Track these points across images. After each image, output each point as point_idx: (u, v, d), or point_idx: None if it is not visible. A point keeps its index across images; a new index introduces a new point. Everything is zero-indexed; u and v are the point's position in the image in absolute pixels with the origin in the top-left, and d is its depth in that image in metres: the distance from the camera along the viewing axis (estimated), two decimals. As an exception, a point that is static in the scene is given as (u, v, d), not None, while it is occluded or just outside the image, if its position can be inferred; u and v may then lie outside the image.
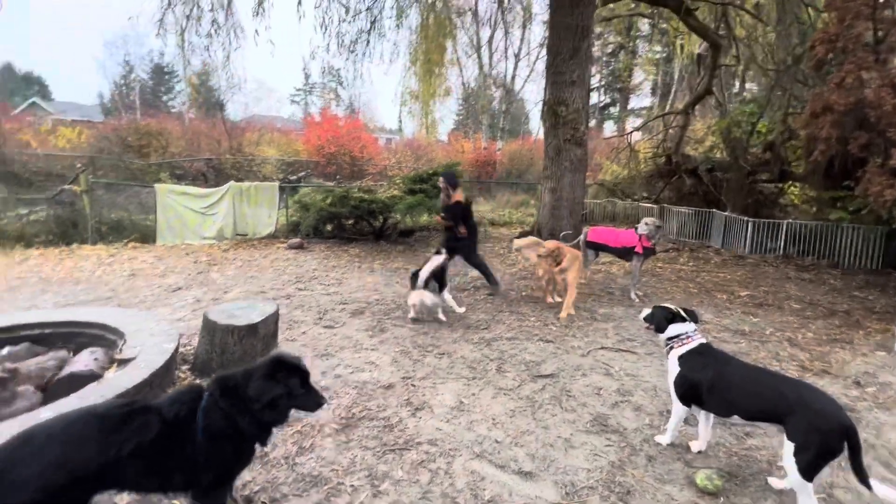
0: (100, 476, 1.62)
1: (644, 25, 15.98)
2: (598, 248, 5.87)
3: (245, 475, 2.17)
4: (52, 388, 2.80)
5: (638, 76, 27.08)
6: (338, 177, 14.10)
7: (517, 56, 20.32)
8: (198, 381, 2.82)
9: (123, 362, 2.96)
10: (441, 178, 5.66)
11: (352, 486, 2.20)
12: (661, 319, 2.57)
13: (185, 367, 3.36)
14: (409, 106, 13.85)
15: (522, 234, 8.97)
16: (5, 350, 3.17)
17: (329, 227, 8.69)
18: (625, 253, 5.63)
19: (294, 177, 14.44)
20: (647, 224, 5.37)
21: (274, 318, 3.53)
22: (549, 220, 7.99)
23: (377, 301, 5.18)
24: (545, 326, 4.52)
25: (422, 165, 14.69)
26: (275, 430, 1.89)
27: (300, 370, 1.89)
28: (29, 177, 11.18)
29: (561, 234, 5.87)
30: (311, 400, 1.86)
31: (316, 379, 3.21)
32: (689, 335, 2.46)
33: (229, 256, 7.21)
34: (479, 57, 19.70)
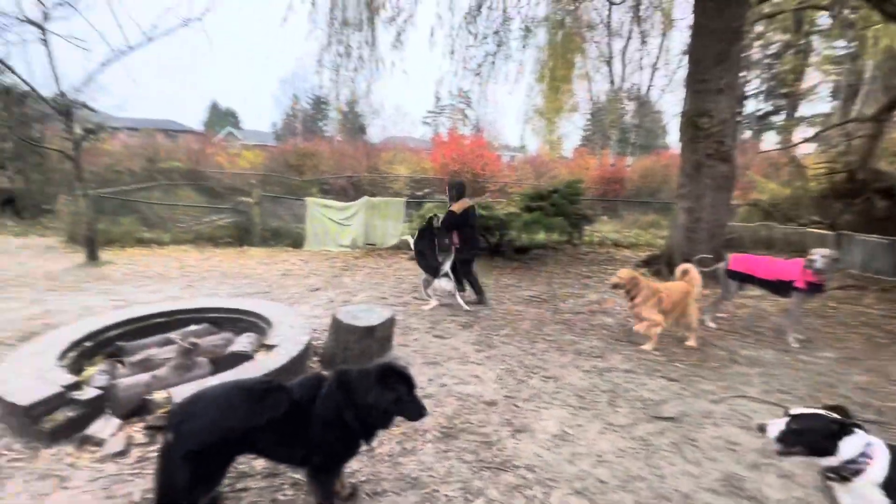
0: (243, 439, 1.94)
1: (822, 19, 13.47)
2: (742, 278, 5.02)
3: (353, 464, 2.37)
4: (220, 362, 3.43)
5: (811, 78, 22.79)
6: (459, 193, 14.65)
7: (654, 66, 18.87)
8: (322, 371, 3.17)
9: (269, 347, 3.50)
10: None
11: (446, 495, 2.25)
12: (821, 437, 1.66)
13: (315, 359, 3.83)
14: (534, 123, 13.83)
15: (651, 258, 8.19)
16: (191, 327, 4.02)
17: (448, 241, 9.09)
18: (779, 287, 4.72)
19: (420, 192, 15.51)
20: (821, 256, 4.38)
21: (390, 323, 3.81)
22: (683, 243, 7.15)
23: (486, 316, 5.23)
24: (670, 363, 4.04)
25: (542, 182, 14.48)
26: (379, 431, 2.04)
27: (408, 379, 2.01)
28: (220, 190, 14.01)
29: (696, 258, 5.20)
30: (415, 409, 1.97)
31: (422, 385, 3.37)
32: (871, 445, 1.65)
33: (360, 263, 8.02)
34: (611, 70, 18.81)
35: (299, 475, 2.33)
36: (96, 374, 3.11)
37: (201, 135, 22.65)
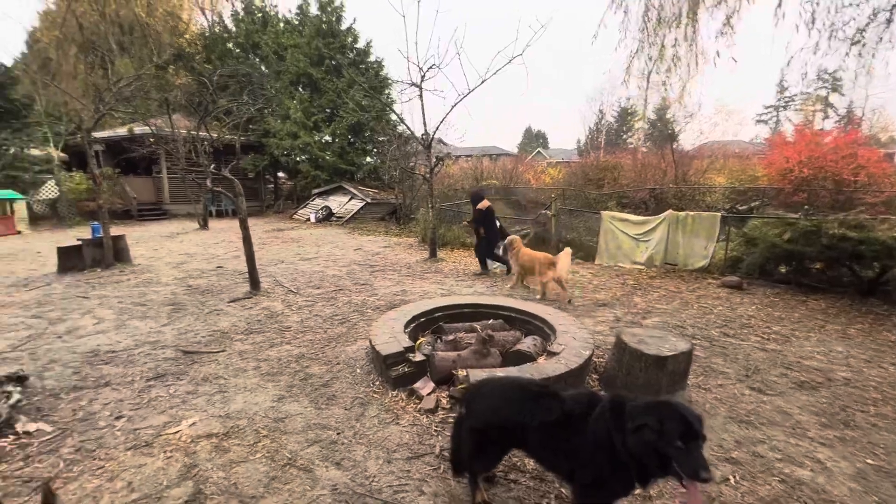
0: (514, 432, 2.05)
1: None
2: None
3: (624, 505, 2.11)
4: (507, 356, 3.80)
5: None
6: (806, 206, 11.07)
7: None
8: (601, 392, 3.01)
9: (551, 354, 3.60)
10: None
11: None
12: None
13: (594, 375, 3.68)
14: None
15: None
16: (490, 321, 4.63)
17: (783, 269, 6.99)
18: None
19: (744, 206, 12.62)
20: None
21: (686, 358, 3.23)
22: None
23: (846, 380, 3.68)
24: None
25: None
26: (655, 477, 1.72)
27: (690, 424, 1.62)
28: (525, 204, 15.71)
29: None
30: (690, 463, 1.55)
31: (725, 445, 2.68)
32: None
33: (654, 283, 7.24)
34: None
35: (567, 491, 2.27)
36: (424, 344, 4.03)
37: (515, 156, 26.09)
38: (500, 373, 3.16)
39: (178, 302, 5.93)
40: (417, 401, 3.29)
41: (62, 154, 17.40)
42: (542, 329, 4.37)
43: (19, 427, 2.88)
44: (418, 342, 4.13)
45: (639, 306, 5.92)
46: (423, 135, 8.97)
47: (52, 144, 16.86)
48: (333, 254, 9.83)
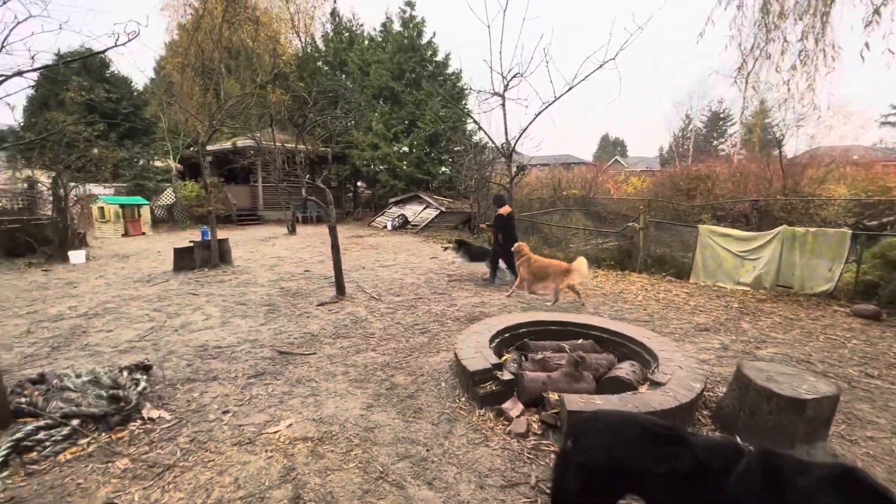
0: (633, 477, 1.82)
1: None
2: None
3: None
4: (602, 383, 3.51)
5: None
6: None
7: None
8: (736, 439, 2.63)
9: (655, 384, 3.26)
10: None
11: None
12: None
13: (705, 412, 3.27)
14: None
15: None
16: (579, 341, 4.35)
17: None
18: None
19: (873, 222, 10.84)
20: None
21: (831, 404, 2.73)
22: None
23: None
24: None
25: None
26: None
27: (883, 497, 1.30)
28: (605, 215, 14.91)
29: None
30: None
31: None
32: None
33: (765, 308, 6.41)
34: None
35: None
36: (510, 361, 3.87)
37: (592, 165, 25.01)
38: (599, 401, 2.90)
39: (273, 303, 6.34)
40: (506, 422, 3.14)
41: (178, 165, 19.79)
42: (639, 354, 4.00)
43: (145, 413, 3.18)
44: (503, 358, 3.98)
45: (749, 334, 5.24)
46: (503, 144, 8.86)
47: (171, 157, 19.25)
48: (410, 261, 10.01)
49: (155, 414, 3.19)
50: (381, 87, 20.40)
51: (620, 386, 3.33)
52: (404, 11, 20.44)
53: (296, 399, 3.46)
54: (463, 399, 3.47)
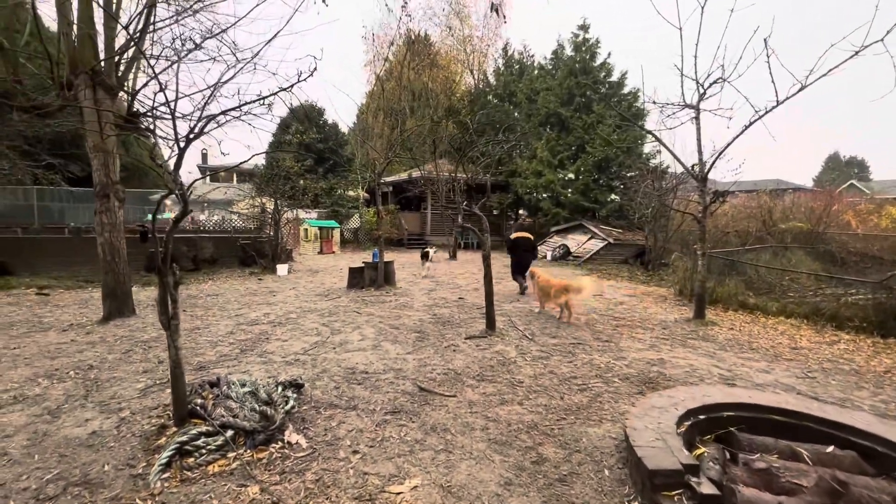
0: None
1: None
2: None
3: None
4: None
5: None
6: None
7: None
8: None
9: None
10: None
11: None
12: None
13: None
14: None
15: None
16: (830, 449, 2.86)
17: None
18: None
19: None
20: None
21: None
22: None
23: None
24: None
25: None
26: None
27: None
28: (844, 256, 11.13)
29: None
30: None
31: None
32: None
33: None
34: None
35: None
36: (708, 460, 2.73)
37: (817, 191, 19.51)
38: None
39: (423, 330, 6.25)
40: (707, 566, 2.09)
41: (365, 194, 22.84)
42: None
43: (286, 434, 3.17)
44: (697, 452, 2.85)
45: None
46: (693, 165, 7.29)
47: (360, 187, 22.37)
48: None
49: (294, 439, 3.15)
50: (548, 113, 20.00)
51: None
52: (577, 35, 19.81)
53: (427, 452, 3.03)
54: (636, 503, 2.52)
